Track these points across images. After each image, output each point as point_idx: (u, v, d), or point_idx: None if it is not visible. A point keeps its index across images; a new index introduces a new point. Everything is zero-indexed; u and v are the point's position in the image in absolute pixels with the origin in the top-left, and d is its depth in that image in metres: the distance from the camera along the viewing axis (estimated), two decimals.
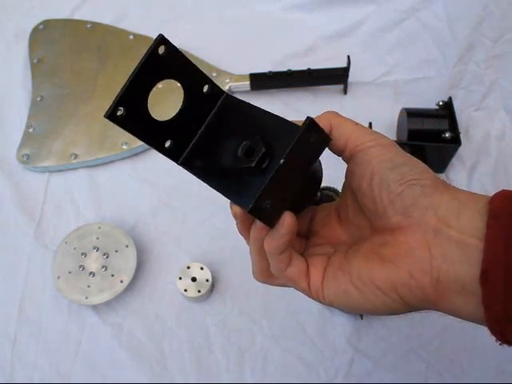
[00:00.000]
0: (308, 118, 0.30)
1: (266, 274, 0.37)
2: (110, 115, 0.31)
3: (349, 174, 0.35)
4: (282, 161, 0.29)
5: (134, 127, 0.33)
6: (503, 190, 0.31)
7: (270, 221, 0.32)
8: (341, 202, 0.37)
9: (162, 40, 0.31)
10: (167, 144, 0.35)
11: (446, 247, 0.30)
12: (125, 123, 0.32)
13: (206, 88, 0.34)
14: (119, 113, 0.31)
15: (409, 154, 0.34)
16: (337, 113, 0.35)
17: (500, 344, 0.30)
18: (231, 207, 0.35)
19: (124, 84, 0.31)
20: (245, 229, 0.35)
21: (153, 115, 0.33)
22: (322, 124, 0.32)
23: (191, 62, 0.33)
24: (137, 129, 0.33)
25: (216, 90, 0.35)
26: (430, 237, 0.31)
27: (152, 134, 0.34)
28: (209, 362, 0.59)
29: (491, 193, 0.31)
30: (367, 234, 0.35)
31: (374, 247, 0.33)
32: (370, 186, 0.33)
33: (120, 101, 0.31)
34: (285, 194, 0.31)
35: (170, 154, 0.35)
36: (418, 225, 0.31)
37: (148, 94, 0.33)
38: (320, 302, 0.35)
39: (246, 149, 0.33)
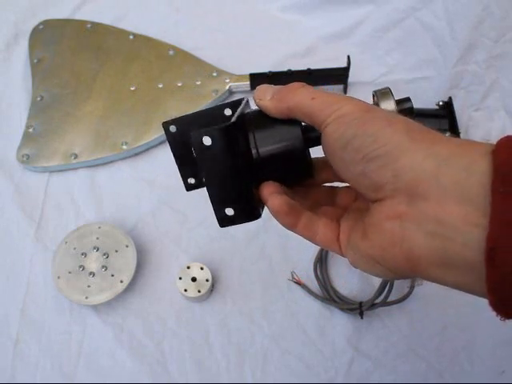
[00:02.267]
0: (191, 133, 0.32)
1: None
2: (189, 188, 0.41)
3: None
4: (203, 178, 0.33)
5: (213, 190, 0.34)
6: (509, 137, 0.26)
7: (252, 215, 0.35)
8: None
9: (165, 124, 0.36)
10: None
11: (420, 218, 0.27)
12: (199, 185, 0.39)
13: (227, 112, 0.37)
14: (192, 181, 0.40)
15: (372, 111, 0.30)
16: (298, 87, 0.33)
17: (502, 319, 0.27)
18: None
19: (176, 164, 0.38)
20: None
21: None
22: (278, 108, 0.33)
23: (202, 112, 0.36)
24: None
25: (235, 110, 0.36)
26: (403, 207, 0.28)
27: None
28: (209, 361, 0.59)
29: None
30: None
31: (362, 215, 0.32)
32: (335, 168, 0.32)
33: (183, 176, 0.39)
34: (241, 191, 0.33)
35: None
36: (391, 195, 0.29)
37: (192, 156, 0.36)
38: None
39: None
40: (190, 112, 0.37)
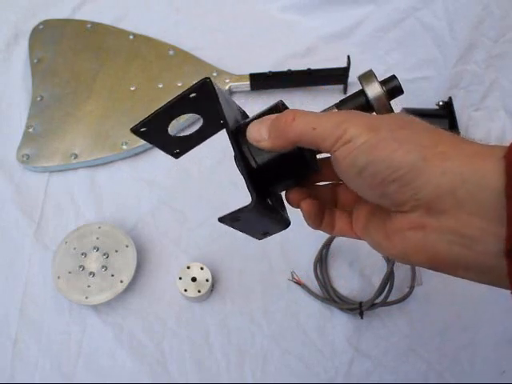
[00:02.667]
0: (220, 219, 0.33)
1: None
2: (177, 156, 0.42)
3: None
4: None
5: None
6: None
7: (284, 226, 0.37)
8: None
9: (135, 129, 0.37)
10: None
11: (441, 229, 0.29)
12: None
13: (192, 95, 0.37)
14: (177, 150, 0.41)
15: (377, 130, 0.30)
16: (292, 118, 0.33)
17: None
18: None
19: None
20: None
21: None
22: (281, 145, 0.33)
23: (169, 104, 0.36)
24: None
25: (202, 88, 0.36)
26: (424, 219, 0.30)
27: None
28: (209, 361, 0.59)
29: None
30: None
31: (384, 217, 0.33)
32: (352, 188, 0.33)
33: (168, 152, 0.41)
34: (272, 221, 0.36)
35: None
36: (412, 210, 0.30)
37: (170, 137, 0.39)
38: None
39: None
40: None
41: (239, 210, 0.32)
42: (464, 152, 0.29)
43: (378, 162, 0.30)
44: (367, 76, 0.35)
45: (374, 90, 0.34)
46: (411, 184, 0.29)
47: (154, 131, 0.38)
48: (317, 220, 0.37)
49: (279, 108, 0.36)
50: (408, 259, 0.32)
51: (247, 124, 0.35)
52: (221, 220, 0.33)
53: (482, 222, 0.28)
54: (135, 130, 0.37)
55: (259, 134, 0.34)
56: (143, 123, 0.36)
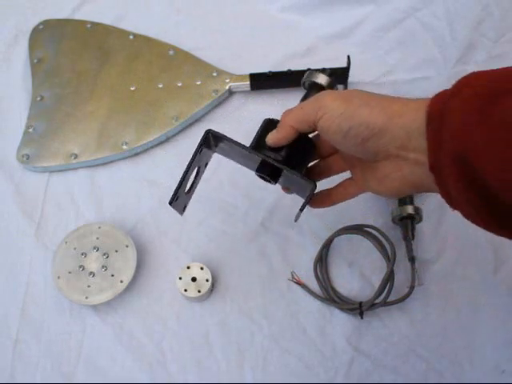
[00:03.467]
0: (301, 210, 0.49)
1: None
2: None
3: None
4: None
5: None
6: (440, 92, 0.40)
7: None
8: None
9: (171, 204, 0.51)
10: None
11: (409, 167, 0.42)
12: None
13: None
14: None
15: (350, 101, 0.43)
16: (288, 110, 0.48)
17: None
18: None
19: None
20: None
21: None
22: (285, 131, 0.47)
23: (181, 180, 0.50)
24: None
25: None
26: (398, 162, 0.42)
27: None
28: (209, 361, 0.59)
29: None
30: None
31: (372, 170, 0.45)
32: (338, 148, 0.46)
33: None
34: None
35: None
36: (386, 158, 0.43)
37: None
38: None
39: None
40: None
41: (308, 197, 0.47)
42: (410, 108, 0.40)
43: (358, 126, 0.42)
44: (311, 73, 0.59)
45: (323, 78, 0.56)
46: (383, 139, 0.41)
47: (179, 197, 0.50)
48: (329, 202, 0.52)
49: (273, 121, 0.49)
50: (399, 193, 0.45)
51: (257, 141, 0.49)
52: (301, 210, 0.48)
53: (426, 155, 0.39)
54: (171, 203, 0.50)
55: (272, 135, 0.48)
56: (175, 193, 0.49)
